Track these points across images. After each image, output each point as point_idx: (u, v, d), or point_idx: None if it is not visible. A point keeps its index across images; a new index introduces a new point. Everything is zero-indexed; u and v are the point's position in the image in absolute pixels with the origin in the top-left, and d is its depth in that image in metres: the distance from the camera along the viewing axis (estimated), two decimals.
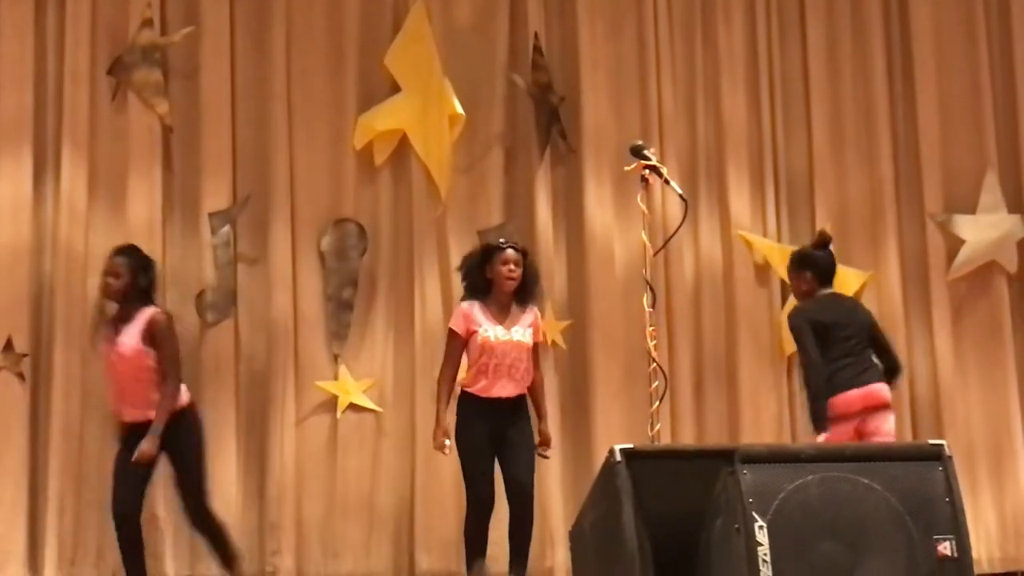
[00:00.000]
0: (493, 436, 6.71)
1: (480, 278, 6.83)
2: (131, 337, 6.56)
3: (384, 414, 8.13)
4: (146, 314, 6.61)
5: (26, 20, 7.89)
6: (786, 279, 8.45)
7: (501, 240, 7.02)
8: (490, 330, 6.72)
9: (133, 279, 6.67)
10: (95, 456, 7.66)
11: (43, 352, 7.72)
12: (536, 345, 6.90)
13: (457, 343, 6.80)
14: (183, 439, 6.60)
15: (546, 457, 7.02)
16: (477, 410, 6.73)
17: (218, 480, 7.74)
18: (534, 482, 6.78)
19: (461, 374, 6.86)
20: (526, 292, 6.87)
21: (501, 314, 6.79)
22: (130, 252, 6.81)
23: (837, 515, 4.84)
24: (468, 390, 6.78)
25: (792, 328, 7.06)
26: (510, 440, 6.72)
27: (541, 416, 6.96)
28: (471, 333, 6.74)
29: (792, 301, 8.47)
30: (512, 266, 6.78)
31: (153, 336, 6.57)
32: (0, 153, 7.78)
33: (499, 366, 6.72)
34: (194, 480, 6.69)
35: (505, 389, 6.75)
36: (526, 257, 6.90)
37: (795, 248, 8.55)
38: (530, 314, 6.87)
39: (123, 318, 6.63)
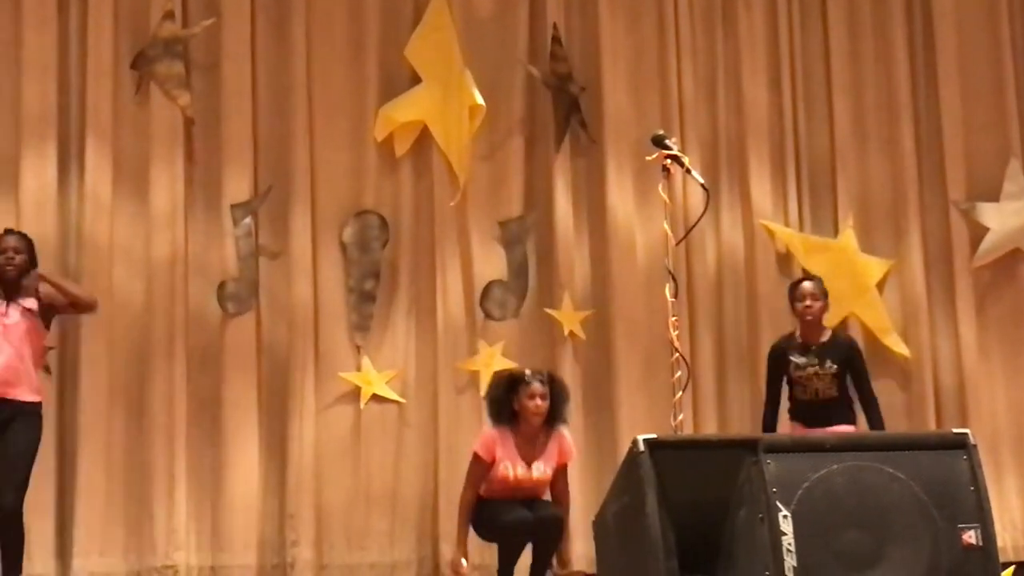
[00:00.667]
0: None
1: (507, 408, 6.81)
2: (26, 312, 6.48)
3: (407, 405, 8.14)
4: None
5: (49, 13, 7.93)
6: (808, 268, 8.49)
7: (527, 372, 6.91)
8: (510, 467, 6.74)
9: (30, 256, 6.61)
10: (122, 447, 7.71)
11: (69, 344, 7.74)
12: (562, 468, 6.88)
13: (480, 468, 6.79)
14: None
15: None
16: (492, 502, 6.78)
17: (239, 470, 7.80)
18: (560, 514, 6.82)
19: None
20: (554, 417, 6.84)
21: (526, 446, 6.79)
22: (21, 233, 6.74)
23: (861, 504, 4.83)
24: (483, 496, 6.81)
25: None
26: (527, 503, 6.77)
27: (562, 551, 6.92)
28: (494, 461, 6.75)
29: None
30: (539, 400, 6.75)
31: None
32: (24, 147, 7.81)
33: (514, 498, 6.76)
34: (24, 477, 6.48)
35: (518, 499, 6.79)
36: (552, 382, 6.86)
37: (817, 238, 8.60)
38: (555, 442, 6.84)
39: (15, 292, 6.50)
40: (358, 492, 8.03)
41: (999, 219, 8.77)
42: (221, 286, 7.97)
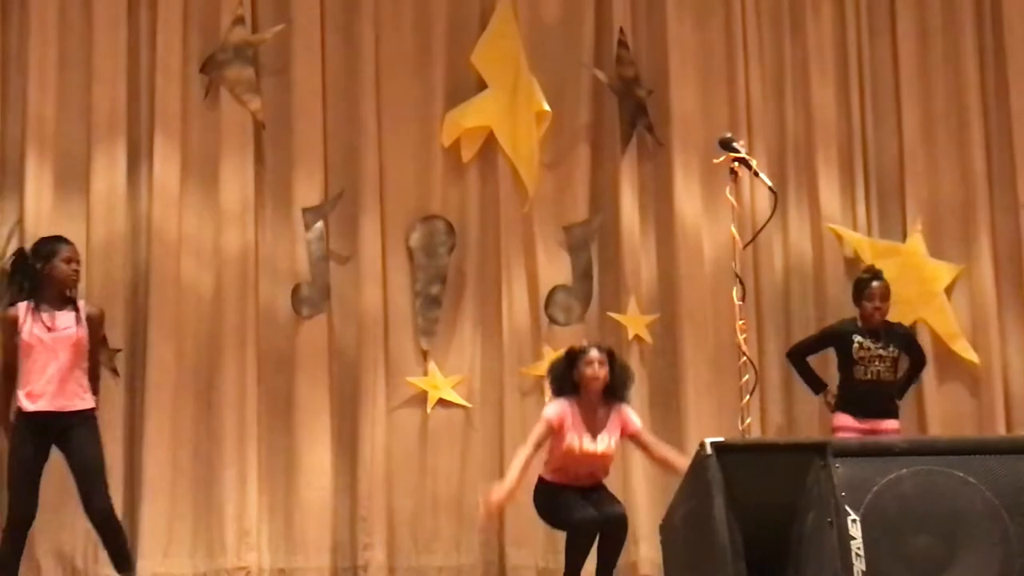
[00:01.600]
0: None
1: (568, 382, 6.88)
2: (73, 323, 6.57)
3: (473, 410, 8.17)
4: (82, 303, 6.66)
5: (119, 16, 8.00)
6: None
7: (584, 343, 7.04)
8: (576, 439, 6.77)
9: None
10: (190, 446, 7.78)
11: (138, 346, 7.82)
12: (639, 431, 6.92)
13: (545, 431, 6.81)
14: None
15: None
16: (557, 491, 6.83)
17: (312, 472, 7.85)
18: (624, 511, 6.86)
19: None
20: (615, 390, 6.89)
21: (590, 418, 6.83)
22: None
23: (931, 509, 4.80)
24: (545, 478, 6.87)
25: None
26: (592, 496, 6.81)
27: (675, 467, 6.79)
28: (561, 430, 6.77)
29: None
30: (596, 366, 6.80)
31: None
32: (94, 147, 7.89)
33: (578, 472, 6.81)
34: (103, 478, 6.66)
35: (581, 484, 6.84)
36: (612, 356, 6.92)
37: (885, 243, 8.54)
38: (617, 415, 6.87)
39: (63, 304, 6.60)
40: (425, 496, 8.07)
41: None
42: (295, 289, 8.02)
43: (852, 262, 8.51)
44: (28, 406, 6.49)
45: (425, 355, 8.17)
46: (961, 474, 4.84)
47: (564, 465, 6.81)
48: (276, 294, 8.03)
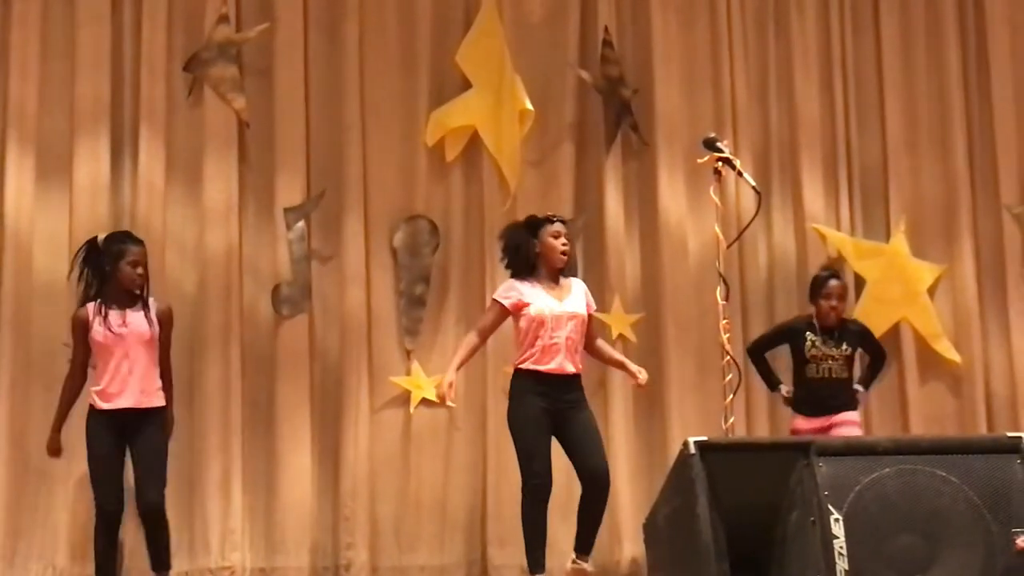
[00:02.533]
0: (550, 414, 6.46)
1: (528, 253, 6.62)
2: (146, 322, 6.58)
3: (456, 409, 8.15)
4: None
5: (103, 10, 7.99)
6: (859, 272, 8.48)
7: (548, 213, 6.82)
8: (543, 302, 6.53)
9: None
10: (172, 447, 7.72)
11: None
12: (590, 316, 6.70)
13: (496, 315, 6.63)
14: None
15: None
16: (531, 386, 6.48)
17: (293, 472, 7.83)
18: (607, 466, 6.60)
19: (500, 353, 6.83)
20: (572, 265, 6.75)
21: (551, 287, 6.60)
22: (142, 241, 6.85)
23: (914, 508, 4.83)
24: (521, 367, 6.54)
25: None
26: (573, 424, 6.48)
27: (621, 363, 6.81)
28: (520, 307, 6.55)
29: (869, 296, 8.45)
30: (564, 239, 6.61)
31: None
32: (78, 135, 7.87)
33: (554, 339, 6.49)
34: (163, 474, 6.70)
35: (561, 365, 6.50)
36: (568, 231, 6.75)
37: (869, 243, 8.56)
38: (579, 287, 6.69)
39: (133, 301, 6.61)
40: (408, 495, 8.06)
41: None
42: (275, 289, 8.01)
43: (835, 262, 8.52)
44: (101, 404, 6.50)
45: (409, 355, 8.17)
46: (943, 473, 4.87)
47: (535, 339, 6.49)
48: (258, 296, 8.01)
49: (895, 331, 8.50)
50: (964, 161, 8.78)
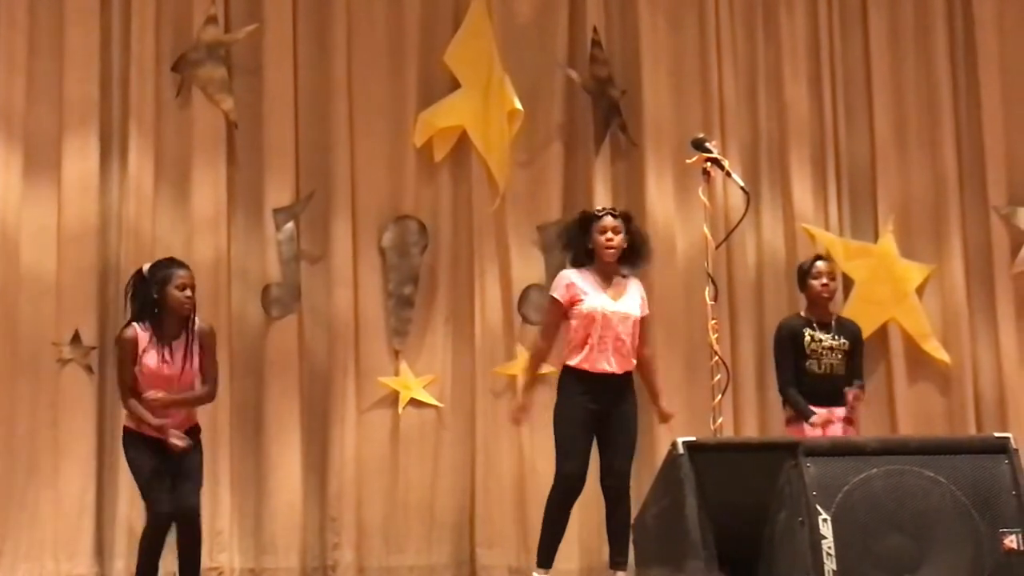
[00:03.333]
0: (595, 414, 6.37)
1: (581, 248, 6.54)
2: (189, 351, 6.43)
3: (444, 409, 8.16)
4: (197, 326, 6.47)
5: (91, 10, 7.98)
6: (848, 273, 8.47)
7: (599, 208, 6.73)
8: (596, 300, 6.41)
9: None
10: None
11: (109, 342, 7.77)
12: (644, 319, 6.57)
13: (556, 312, 6.48)
14: None
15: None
16: (579, 385, 6.38)
17: (282, 473, 7.83)
18: (631, 471, 6.53)
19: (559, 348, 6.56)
20: (633, 260, 6.56)
21: (606, 284, 6.48)
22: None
23: (902, 508, 4.83)
24: (570, 364, 6.42)
25: None
26: (612, 422, 6.38)
27: (656, 395, 6.66)
28: (574, 303, 6.43)
29: (857, 296, 8.44)
30: (611, 234, 6.45)
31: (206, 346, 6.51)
32: (66, 134, 7.87)
33: (604, 339, 6.37)
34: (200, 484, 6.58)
35: (610, 364, 6.39)
36: (629, 223, 6.57)
37: (858, 243, 8.56)
38: (636, 287, 6.56)
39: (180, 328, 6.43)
40: (396, 496, 8.05)
41: None
42: (265, 290, 8.01)
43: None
44: (138, 429, 6.37)
45: (397, 355, 8.16)
46: (931, 474, 4.88)
47: (586, 337, 6.38)
48: (247, 298, 8.01)
49: (884, 331, 8.51)
50: (952, 161, 8.78)
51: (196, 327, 6.42)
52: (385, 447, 8.10)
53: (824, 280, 7.24)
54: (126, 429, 6.43)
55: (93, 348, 7.74)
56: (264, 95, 8.14)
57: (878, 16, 8.84)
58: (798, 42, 8.76)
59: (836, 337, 7.23)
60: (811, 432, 7.05)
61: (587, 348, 6.38)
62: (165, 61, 8.07)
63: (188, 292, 6.37)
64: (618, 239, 6.46)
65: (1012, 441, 5.05)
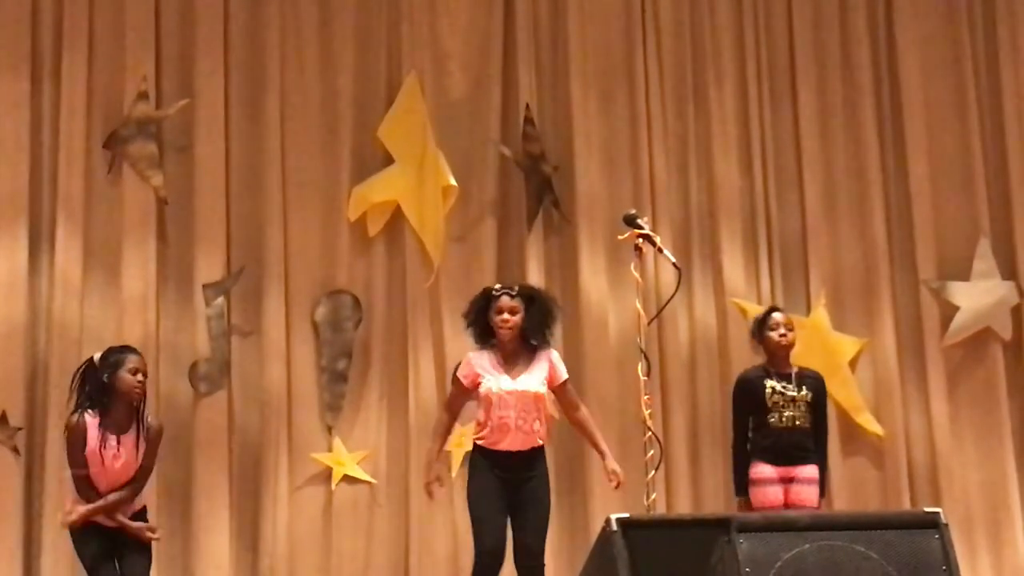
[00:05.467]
0: (505, 487, 6.30)
1: (483, 325, 6.48)
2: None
3: (378, 485, 8.10)
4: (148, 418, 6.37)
5: (22, 95, 7.95)
6: None
7: (497, 286, 6.60)
8: (491, 381, 6.37)
9: None
10: None
11: (37, 426, 7.71)
12: (564, 384, 6.49)
13: (457, 391, 6.47)
14: None
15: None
16: (486, 462, 6.34)
17: (211, 552, 7.72)
18: (544, 548, 6.41)
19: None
20: (533, 336, 6.45)
21: (509, 363, 6.41)
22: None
23: None
24: (478, 443, 6.40)
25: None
26: (521, 500, 6.33)
27: (601, 454, 6.53)
28: (476, 384, 6.39)
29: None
30: (507, 315, 6.38)
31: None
32: None
33: (503, 418, 6.32)
34: None
35: (514, 443, 6.33)
36: (531, 300, 6.46)
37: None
38: (544, 360, 6.46)
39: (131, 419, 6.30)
40: (329, 572, 7.98)
41: (969, 298, 8.81)
42: (193, 366, 7.95)
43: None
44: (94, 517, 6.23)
45: (330, 431, 8.11)
46: (863, 549, 4.89)
47: (489, 417, 6.32)
48: (176, 374, 7.95)
49: None
50: (883, 235, 8.86)
51: (147, 421, 6.29)
52: (318, 523, 8.03)
53: (782, 331, 7.06)
54: (73, 524, 6.23)
55: (19, 429, 7.63)
56: (195, 170, 8.13)
57: (807, 91, 8.94)
58: (728, 117, 8.84)
59: (798, 388, 7.02)
60: (767, 474, 6.92)
61: (488, 428, 6.35)
62: (96, 140, 8.05)
63: (140, 377, 6.26)
64: (515, 319, 6.37)
65: (942, 516, 5.07)
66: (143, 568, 6.26)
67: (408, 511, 8.03)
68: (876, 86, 9.07)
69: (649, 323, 6.55)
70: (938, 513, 5.07)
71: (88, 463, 6.14)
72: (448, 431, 6.51)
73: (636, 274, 6.47)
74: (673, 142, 8.77)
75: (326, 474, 8.04)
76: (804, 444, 6.97)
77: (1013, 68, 9.11)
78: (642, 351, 6.31)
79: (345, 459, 8.05)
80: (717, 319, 8.61)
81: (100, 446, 6.13)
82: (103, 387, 6.22)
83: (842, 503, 8.41)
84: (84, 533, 6.23)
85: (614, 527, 4.96)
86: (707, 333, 8.58)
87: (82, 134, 7.98)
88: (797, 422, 6.97)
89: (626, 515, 5.05)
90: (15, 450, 7.62)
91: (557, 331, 8.27)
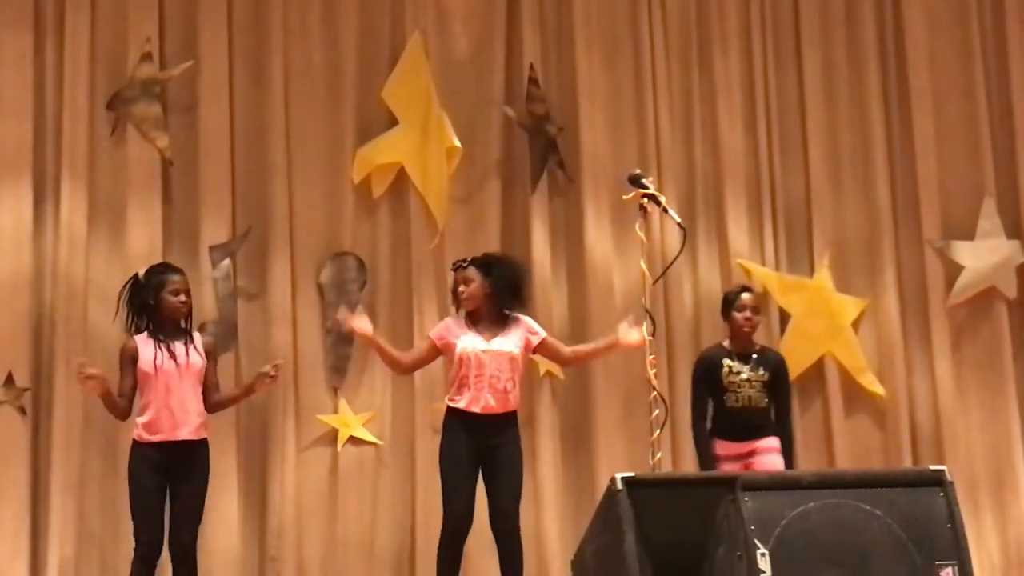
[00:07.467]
0: (477, 452, 6.47)
1: (455, 296, 6.73)
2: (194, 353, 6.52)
3: (384, 447, 8.12)
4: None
5: (25, 51, 7.92)
6: (784, 307, 8.53)
7: (456, 261, 6.81)
8: (466, 341, 6.52)
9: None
10: (96, 490, 7.66)
11: (43, 385, 7.72)
12: (544, 340, 6.66)
13: (425, 347, 6.69)
14: None
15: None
16: (460, 424, 6.49)
17: (219, 515, 7.74)
18: (518, 512, 6.56)
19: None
20: (506, 301, 6.61)
21: (478, 327, 6.58)
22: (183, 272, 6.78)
23: (839, 541, 4.86)
24: (451, 405, 6.55)
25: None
26: (496, 461, 6.48)
27: (604, 344, 6.75)
28: (448, 346, 6.57)
29: (793, 331, 8.49)
30: (461, 286, 6.60)
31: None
32: (0, 182, 7.79)
33: (479, 377, 6.47)
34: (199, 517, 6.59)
35: (488, 402, 6.48)
36: (487, 267, 6.63)
37: (793, 277, 8.61)
38: (518, 326, 6.62)
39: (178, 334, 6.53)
40: (336, 534, 8.00)
41: (974, 257, 8.81)
42: (201, 328, 7.94)
43: (760, 297, 8.56)
44: (148, 437, 6.39)
45: (336, 392, 8.13)
46: (868, 507, 4.91)
47: (464, 376, 6.49)
48: None
49: (820, 365, 8.57)
50: (887, 196, 8.86)
51: (200, 338, 6.59)
52: (324, 485, 8.05)
53: (747, 313, 7.21)
54: (135, 441, 6.45)
55: (26, 390, 7.65)
56: (200, 132, 8.10)
57: (811, 54, 8.92)
58: (733, 79, 8.82)
59: (755, 369, 7.16)
60: (725, 451, 7.04)
61: (464, 388, 6.49)
62: (99, 99, 8.01)
63: (182, 297, 6.53)
64: (470, 288, 6.57)
65: (947, 474, 5.10)
66: (200, 483, 6.49)
67: (414, 472, 8.05)
68: (880, 47, 9.04)
69: (654, 283, 6.56)
70: (943, 471, 5.09)
71: (144, 380, 6.38)
72: (393, 362, 6.71)
73: (641, 234, 6.48)
74: (678, 103, 8.75)
75: (332, 436, 8.06)
76: (761, 422, 7.13)
77: (1020, 25, 9.09)
78: (647, 311, 6.32)
79: (351, 421, 8.06)
80: (721, 280, 8.59)
81: (152, 353, 6.39)
82: (148, 307, 6.50)
83: (845, 463, 8.43)
84: (139, 458, 6.44)
85: (619, 486, 4.99)
86: (711, 294, 8.55)
87: (86, 93, 7.94)
88: (753, 401, 7.12)
89: (631, 474, 5.08)
90: (22, 410, 7.62)
91: (563, 292, 8.35)
